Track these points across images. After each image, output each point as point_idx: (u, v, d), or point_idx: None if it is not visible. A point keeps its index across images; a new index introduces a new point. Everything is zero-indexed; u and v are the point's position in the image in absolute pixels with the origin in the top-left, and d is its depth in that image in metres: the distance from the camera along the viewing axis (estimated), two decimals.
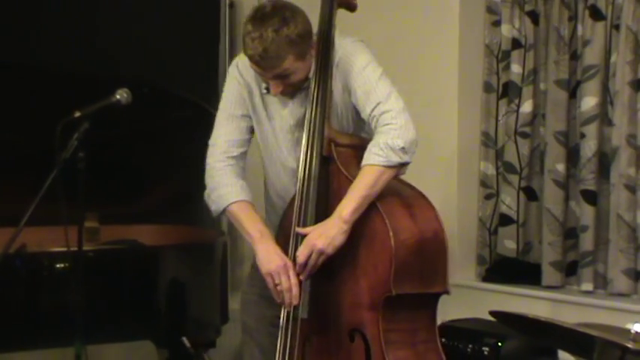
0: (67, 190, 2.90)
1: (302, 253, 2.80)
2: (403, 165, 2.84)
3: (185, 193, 3.20)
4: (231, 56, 5.16)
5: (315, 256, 2.79)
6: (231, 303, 4.36)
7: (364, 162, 2.81)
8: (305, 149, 2.89)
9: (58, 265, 3.59)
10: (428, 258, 2.85)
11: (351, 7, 3.09)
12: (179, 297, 3.93)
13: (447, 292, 2.89)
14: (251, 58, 2.81)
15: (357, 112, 2.96)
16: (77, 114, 2.97)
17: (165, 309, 3.85)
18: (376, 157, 2.79)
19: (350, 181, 2.82)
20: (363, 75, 2.89)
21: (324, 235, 2.78)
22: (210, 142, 3.10)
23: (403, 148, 2.79)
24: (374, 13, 4.58)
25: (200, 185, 3.13)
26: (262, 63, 2.79)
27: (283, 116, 3.01)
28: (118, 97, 3.10)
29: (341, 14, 3.06)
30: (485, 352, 3.58)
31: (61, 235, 2.99)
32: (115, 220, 4.25)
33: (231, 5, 5.24)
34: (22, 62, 3.97)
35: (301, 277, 2.83)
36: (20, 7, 4.51)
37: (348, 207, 2.77)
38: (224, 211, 3.03)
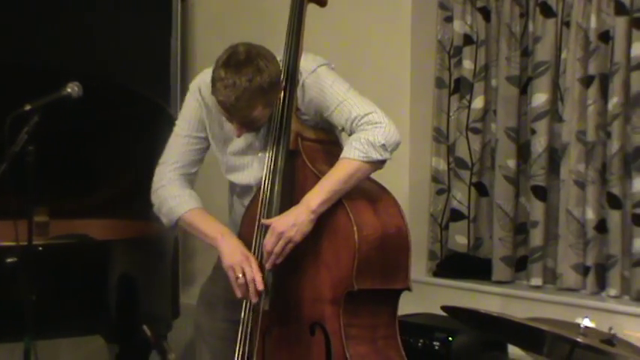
0: (17, 184, 2.87)
1: (269, 241, 2.80)
2: (382, 162, 2.85)
3: (136, 188, 3.18)
4: (183, 51, 5.13)
5: (282, 244, 2.78)
6: (183, 297, 4.34)
7: (343, 154, 2.82)
8: (272, 142, 2.90)
9: (7, 260, 3.55)
10: (390, 254, 2.86)
11: (322, 2, 3.10)
12: (130, 291, 3.90)
13: (408, 289, 2.91)
14: (221, 103, 2.79)
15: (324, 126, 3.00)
16: (27, 107, 2.93)
17: (115, 303, 3.82)
18: (356, 151, 2.80)
19: (315, 176, 2.83)
20: (332, 92, 2.91)
21: (291, 223, 2.77)
22: (161, 160, 3.10)
23: (384, 145, 2.81)
24: (325, 8, 4.58)
25: (151, 179, 3.12)
26: (232, 110, 2.78)
27: (246, 137, 3.00)
28: (69, 90, 3.07)
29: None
30: (436, 347, 3.60)
31: (11, 230, 2.95)
32: (65, 214, 4.21)
33: None
34: None
35: (267, 266, 2.83)
36: None
37: (317, 198, 2.78)
38: (177, 222, 3.02)
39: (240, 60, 2.76)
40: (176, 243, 4.30)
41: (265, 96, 2.78)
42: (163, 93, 4.89)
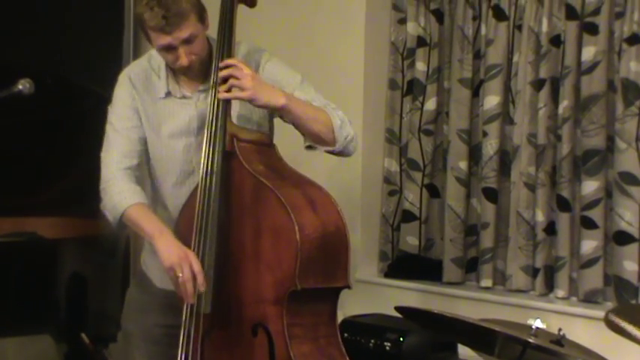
0: None
1: (231, 72, 2.77)
2: (332, 144, 2.88)
3: (87, 185, 3.14)
4: (136, 45, 5.08)
5: (234, 82, 2.75)
6: None
7: (326, 109, 2.86)
8: (206, 145, 2.86)
9: None
10: (331, 253, 2.86)
11: (250, 3, 3.07)
12: (80, 290, 3.87)
13: (348, 287, 2.91)
14: (155, 27, 2.76)
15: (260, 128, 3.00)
16: None
17: (65, 303, 3.78)
18: (337, 119, 2.85)
19: (252, 176, 2.81)
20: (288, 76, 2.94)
21: (257, 83, 2.77)
22: (102, 154, 3.04)
23: (352, 140, 2.89)
24: (280, 8, 4.58)
25: None
26: (167, 26, 2.75)
27: (182, 118, 2.99)
28: (20, 87, 3.03)
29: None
30: (387, 347, 3.61)
31: None
32: (14, 211, 4.16)
33: None
34: None
35: (219, 96, 2.80)
36: None
37: (294, 101, 2.81)
38: (121, 218, 2.97)
39: None
40: (127, 242, 4.27)
41: (194, 6, 2.79)
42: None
